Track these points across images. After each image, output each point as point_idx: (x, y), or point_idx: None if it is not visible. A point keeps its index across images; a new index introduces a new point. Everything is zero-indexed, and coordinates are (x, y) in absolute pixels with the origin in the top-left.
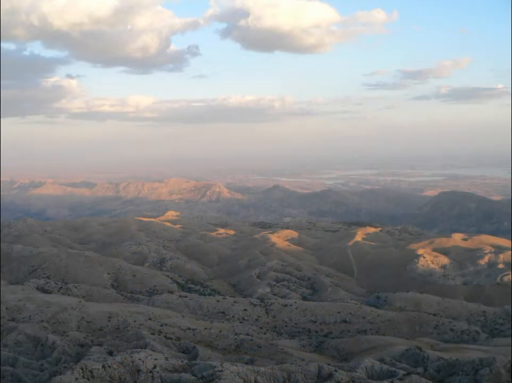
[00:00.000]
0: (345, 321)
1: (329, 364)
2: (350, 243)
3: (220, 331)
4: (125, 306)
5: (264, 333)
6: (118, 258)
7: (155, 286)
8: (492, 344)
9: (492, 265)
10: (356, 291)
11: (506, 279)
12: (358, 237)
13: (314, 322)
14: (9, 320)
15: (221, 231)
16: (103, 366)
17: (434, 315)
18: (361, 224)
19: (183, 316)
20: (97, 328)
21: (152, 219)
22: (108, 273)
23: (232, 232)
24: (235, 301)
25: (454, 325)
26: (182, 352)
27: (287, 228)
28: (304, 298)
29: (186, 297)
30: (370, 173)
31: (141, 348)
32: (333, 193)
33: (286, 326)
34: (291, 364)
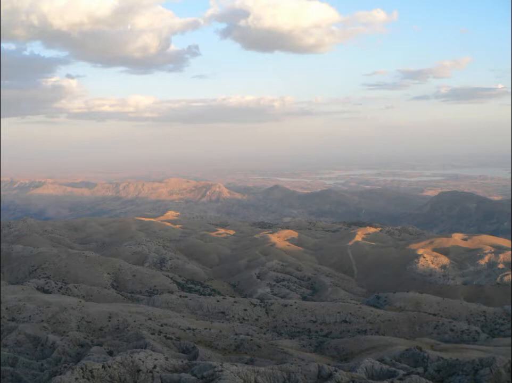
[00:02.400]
0: (345, 321)
1: (329, 364)
2: (350, 243)
3: (220, 331)
4: (125, 306)
5: (264, 333)
6: (118, 258)
7: (155, 286)
8: (492, 344)
9: (492, 265)
10: (356, 291)
11: (506, 279)
12: (359, 237)
13: (314, 322)
14: (9, 320)
15: (221, 231)
16: (103, 366)
17: (434, 315)
18: (361, 224)
19: (183, 316)
20: (97, 328)
21: (152, 219)
22: (108, 273)
23: (232, 232)
24: (235, 301)
25: (454, 325)
26: (182, 352)
27: (287, 228)
28: (304, 298)
29: (186, 297)
30: (370, 173)
31: (141, 348)
32: (333, 193)
33: (286, 326)
34: (291, 364)
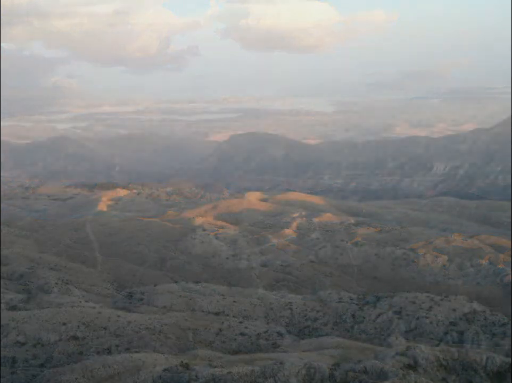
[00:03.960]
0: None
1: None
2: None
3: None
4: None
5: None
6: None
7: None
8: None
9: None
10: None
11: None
12: (103, 205)
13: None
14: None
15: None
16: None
17: (216, 314)
18: (110, 187)
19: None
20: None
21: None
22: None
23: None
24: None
25: (246, 327)
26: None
27: None
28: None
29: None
30: (126, 110)
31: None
32: (69, 142)
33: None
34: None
